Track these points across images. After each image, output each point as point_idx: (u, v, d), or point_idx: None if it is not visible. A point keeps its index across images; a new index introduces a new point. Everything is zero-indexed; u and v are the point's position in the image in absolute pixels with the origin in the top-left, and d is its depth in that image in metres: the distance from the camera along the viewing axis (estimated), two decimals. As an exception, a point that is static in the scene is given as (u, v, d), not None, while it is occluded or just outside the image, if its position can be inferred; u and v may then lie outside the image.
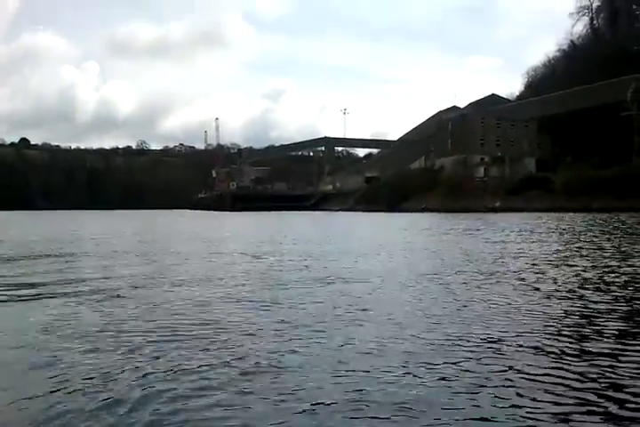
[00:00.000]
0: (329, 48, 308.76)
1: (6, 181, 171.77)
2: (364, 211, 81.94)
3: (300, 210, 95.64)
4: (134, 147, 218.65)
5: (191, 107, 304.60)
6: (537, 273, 10.19)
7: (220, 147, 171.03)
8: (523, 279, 9.39)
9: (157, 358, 4.89)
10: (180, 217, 67.56)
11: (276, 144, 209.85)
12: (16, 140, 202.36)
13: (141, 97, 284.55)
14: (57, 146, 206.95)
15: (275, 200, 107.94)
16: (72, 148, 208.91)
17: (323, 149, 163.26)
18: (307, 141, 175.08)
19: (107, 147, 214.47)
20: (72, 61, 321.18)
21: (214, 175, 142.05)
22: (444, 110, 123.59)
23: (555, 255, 13.67)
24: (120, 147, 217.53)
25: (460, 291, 8.35)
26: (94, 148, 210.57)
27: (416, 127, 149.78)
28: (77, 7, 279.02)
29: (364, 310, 6.88)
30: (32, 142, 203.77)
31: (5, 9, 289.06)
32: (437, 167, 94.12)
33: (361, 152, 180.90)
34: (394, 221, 44.88)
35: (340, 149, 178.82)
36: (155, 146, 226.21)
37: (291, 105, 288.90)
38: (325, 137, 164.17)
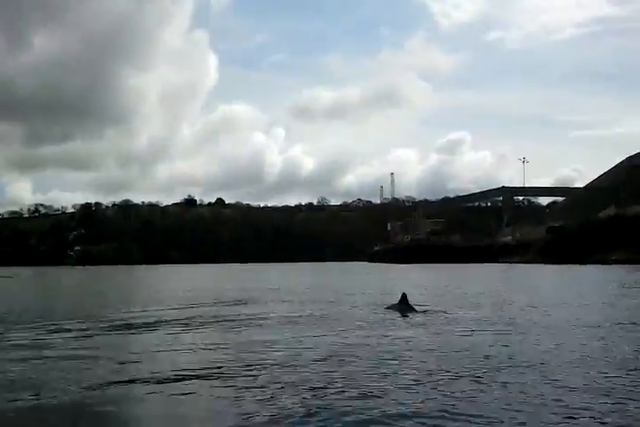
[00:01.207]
0: (505, 97, 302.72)
1: (203, 237, 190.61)
2: (545, 263, 77.45)
3: (476, 262, 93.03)
4: (315, 203, 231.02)
5: (367, 163, 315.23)
6: None
7: (395, 200, 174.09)
8: None
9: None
10: (354, 269, 69.54)
11: (452, 196, 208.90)
12: (212, 201, 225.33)
13: (321, 157, 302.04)
14: (247, 204, 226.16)
15: (450, 252, 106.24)
16: (260, 206, 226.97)
17: (500, 198, 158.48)
18: (484, 192, 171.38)
19: (291, 204, 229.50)
20: (261, 128, 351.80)
21: (389, 228, 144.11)
22: (635, 155, 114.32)
23: None
24: (302, 203, 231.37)
25: None
26: (279, 205, 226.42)
27: (604, 173, 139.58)
28: (265, 79, 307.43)
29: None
30: (226, 202, 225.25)
31: (204, 85, 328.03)
32: (631, 215, 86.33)
33: (543, 201, 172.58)
34: (581, 274, 42.18)
35: (520, 198, 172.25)
36: (334, 201, 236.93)
37: (467, 156, 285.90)
38: (503, 187, 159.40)
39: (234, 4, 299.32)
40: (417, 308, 15.41)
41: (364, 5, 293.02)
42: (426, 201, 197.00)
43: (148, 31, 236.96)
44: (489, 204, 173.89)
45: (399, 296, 16.00)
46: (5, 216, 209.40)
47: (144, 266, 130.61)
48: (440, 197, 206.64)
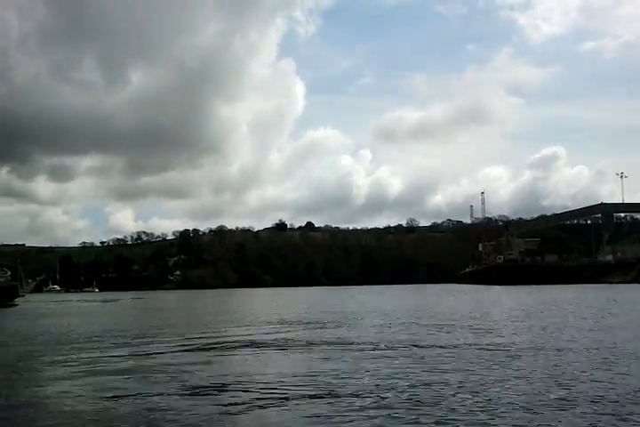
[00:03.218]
0: (601, 109, 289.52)
1: (294, 260, 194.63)
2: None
3: (574, 283, 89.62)
4: (404, 224, 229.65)
5: (456, 182, 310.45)
6: None
7: (486, 220, 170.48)
8: None
9: None
10: (446, 292, 69.10)
11: (548, 214, 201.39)
12: (302, 224, 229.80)
13: (408, 177, 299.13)
14: (336, 227, 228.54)
15: (546, 273, 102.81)
16: (349, 228, 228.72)
17: (600, 216, 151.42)
18: (581, 209, 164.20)
19: (380, 226, 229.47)
20: (348, 151, 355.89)
21: (481, 249, 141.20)
22: None
23: None
24: (391, 225, 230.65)
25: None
26: (368, 227, 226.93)
27: None
28: (350, 103, 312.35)
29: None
30: (316, 225, 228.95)
31: (292, 112, 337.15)
32: None
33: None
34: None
35: (621, 215, 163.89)
36: (423, 222, 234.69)
37: (563, 172, 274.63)
38: (602, 203, 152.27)
39: (320, 32, 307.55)
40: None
41: (449, 23, 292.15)
42: (519, 220, 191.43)
43: (236, 63, 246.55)
44: (588, 221, 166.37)
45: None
46: (110, 243, 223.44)
47: (240, 289, 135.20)
48: (534, 215, 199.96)
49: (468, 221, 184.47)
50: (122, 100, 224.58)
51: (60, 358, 14.46)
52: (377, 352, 13.67)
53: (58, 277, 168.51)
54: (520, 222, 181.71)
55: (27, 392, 10.04)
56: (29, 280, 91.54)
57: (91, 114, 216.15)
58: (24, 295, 63.68)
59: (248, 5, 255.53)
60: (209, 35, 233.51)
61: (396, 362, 11.88)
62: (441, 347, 14.34)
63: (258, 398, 8.73)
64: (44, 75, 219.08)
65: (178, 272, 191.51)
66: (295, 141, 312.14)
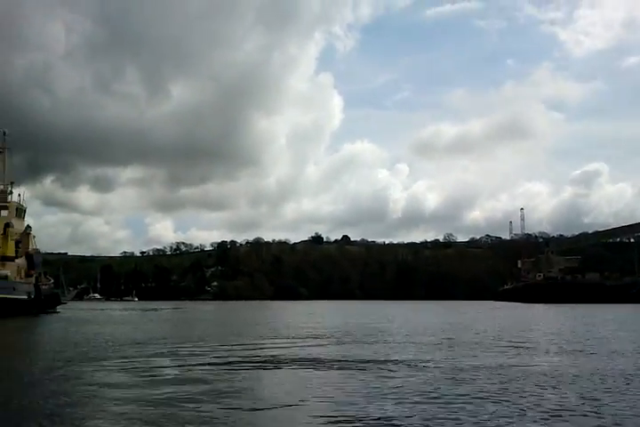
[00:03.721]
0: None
1: (330, 273, 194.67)
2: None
3: (615, 302, 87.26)
4: (441, 239, 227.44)
5: (495, 198, 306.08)
6: None
7: (526, 236, 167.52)
8: None
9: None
10: (488, 310, 68.10)
11: (589, 231, 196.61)
12: (338, 238, 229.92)
13: (445, 192, 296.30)
14: (372, 241, 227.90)
15: (586, 291, 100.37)
16: (385, 243, 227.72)
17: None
18: (623, 227, 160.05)
19: (416, 241, 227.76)
20: (385, 165, 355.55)
21: (520, 266, 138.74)
22: None
23: None
24: (428, 240, 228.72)
25: None
26: (405, 242, 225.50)
27: None
28: (388, 117, 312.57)
29: None
30: (352, 239, 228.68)
31: (330, 126, 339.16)
32: None
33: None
34: None
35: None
36: (461, 238, 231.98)
37: (605, 188, 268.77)
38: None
39: (358, 47, 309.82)
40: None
41: (489, 38, 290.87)
42: (560, 237, 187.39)
43: (275, 77, 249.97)
44: (630, 239, 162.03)
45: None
46: (150, 253, 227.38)
47: (276, 302, 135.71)
48: (575, 232, 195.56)
49: (507, 237, 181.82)
50: (162, 112, 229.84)
51: (107, 362, 15.03)
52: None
53: (98, 285, 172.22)
54: (560, 239, 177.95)
55: (77, 392, 10.52)
56: (71, 288, 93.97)
57: (132, 126, 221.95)
58: (66, 303, 65.42)
59: (287, 20, 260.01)
60: (248, 49, 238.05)
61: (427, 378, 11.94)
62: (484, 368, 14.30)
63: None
64: (87, 87, 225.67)
65: (215, 283, 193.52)
66: (332, 155, 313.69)
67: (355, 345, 20.22)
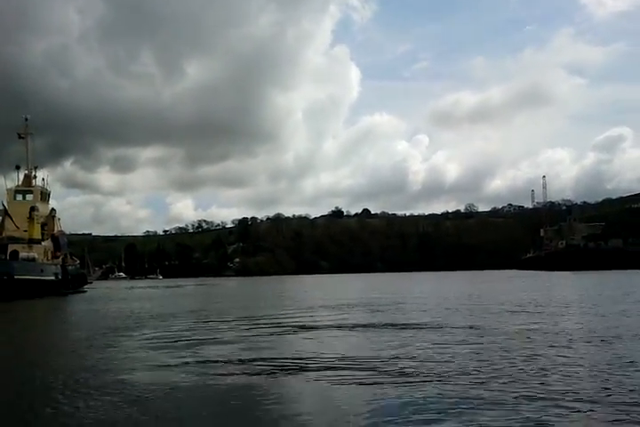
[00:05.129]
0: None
1: (350, 246, 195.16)
2: None
3: (638, 268, 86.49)
4: (462, 210, 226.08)
5: (516, 166, 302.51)
6: None
7: (549, 204, 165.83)
8: None
9: None
10: (513, 278, 67.74)
11: (613, 197, 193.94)
12: (359, 211, 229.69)
13: (466, 162, 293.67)
14: (393, 214, 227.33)
15: (609, 258, 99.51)
16: (406, 215, 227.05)
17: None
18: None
19: (437, 212, 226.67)
20: (404, 136, 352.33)
21: (542, 234, 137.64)
22: None
23: None
24: (449, 211, 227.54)
25: None
26: (425, 213, 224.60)
27: None
28: (406, 88, 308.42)
29: None
30: (372, 212, 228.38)
31: (347, 99, 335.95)
32: None
33: None
34: None
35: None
36: (482, 208, 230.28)
37: (628, 154, 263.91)
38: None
39: (375, 18, 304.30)
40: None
41: (508, 4, 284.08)
42: (583, 204, 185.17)
43: (291, 51, 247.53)
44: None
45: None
46: (172, 232, 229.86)
47: (298, 276, 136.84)
48: (598, 199, 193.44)
49: (529, 205, 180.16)
50: (179, 91, 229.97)
51: (140, 333, 15.72)
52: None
53: (123, 264, 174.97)
54: (584, 207, 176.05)
55: (115, 364, 10.96)
56: (96, 268, 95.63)
57: (149, 106, 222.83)
58: (92, 282, 66.77)
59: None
60: (263, 24, 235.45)
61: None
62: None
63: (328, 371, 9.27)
64: (103, 69, 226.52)
65: (237, 259, 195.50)
66: (350, 128, 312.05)
67: (391, 312, 20.27)
